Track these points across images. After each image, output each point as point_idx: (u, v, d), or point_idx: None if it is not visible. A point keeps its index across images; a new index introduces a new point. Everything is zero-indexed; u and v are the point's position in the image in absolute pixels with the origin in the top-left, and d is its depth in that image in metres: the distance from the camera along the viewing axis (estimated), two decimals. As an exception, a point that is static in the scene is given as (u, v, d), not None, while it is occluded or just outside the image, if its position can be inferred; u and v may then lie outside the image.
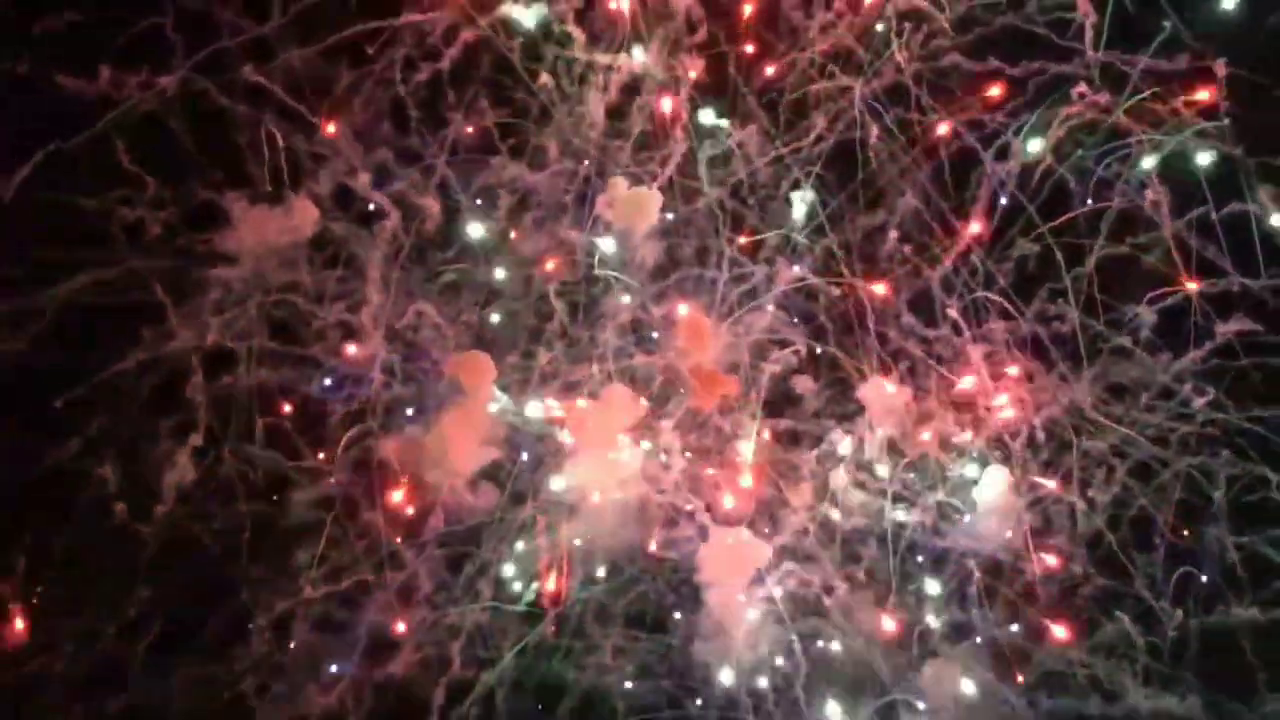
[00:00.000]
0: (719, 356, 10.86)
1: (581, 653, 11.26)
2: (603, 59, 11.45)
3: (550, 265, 11.44)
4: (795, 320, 11.37)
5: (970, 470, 11.02)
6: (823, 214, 11.43)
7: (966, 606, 10.93)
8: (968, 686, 10.51)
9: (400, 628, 11.11)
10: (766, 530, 10.98)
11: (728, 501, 10.99)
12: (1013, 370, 10.96)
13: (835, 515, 10.93)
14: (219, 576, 11.18)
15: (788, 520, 10.97)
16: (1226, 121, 10.67)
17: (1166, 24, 10.60)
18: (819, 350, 11.38)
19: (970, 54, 11.30)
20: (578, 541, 10.94)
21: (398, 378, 11.14)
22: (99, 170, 10.95)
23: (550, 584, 10.97)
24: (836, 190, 11.56)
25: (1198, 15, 10.65)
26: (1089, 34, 10.85)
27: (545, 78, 11.48)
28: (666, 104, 11.26)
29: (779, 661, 10.86)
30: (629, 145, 11.48)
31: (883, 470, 10.86)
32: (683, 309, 11.07)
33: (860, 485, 10.90)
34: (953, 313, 11.22)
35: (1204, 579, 10.83)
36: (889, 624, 10.81)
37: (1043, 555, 10.73)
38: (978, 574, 10.88)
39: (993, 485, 10.74)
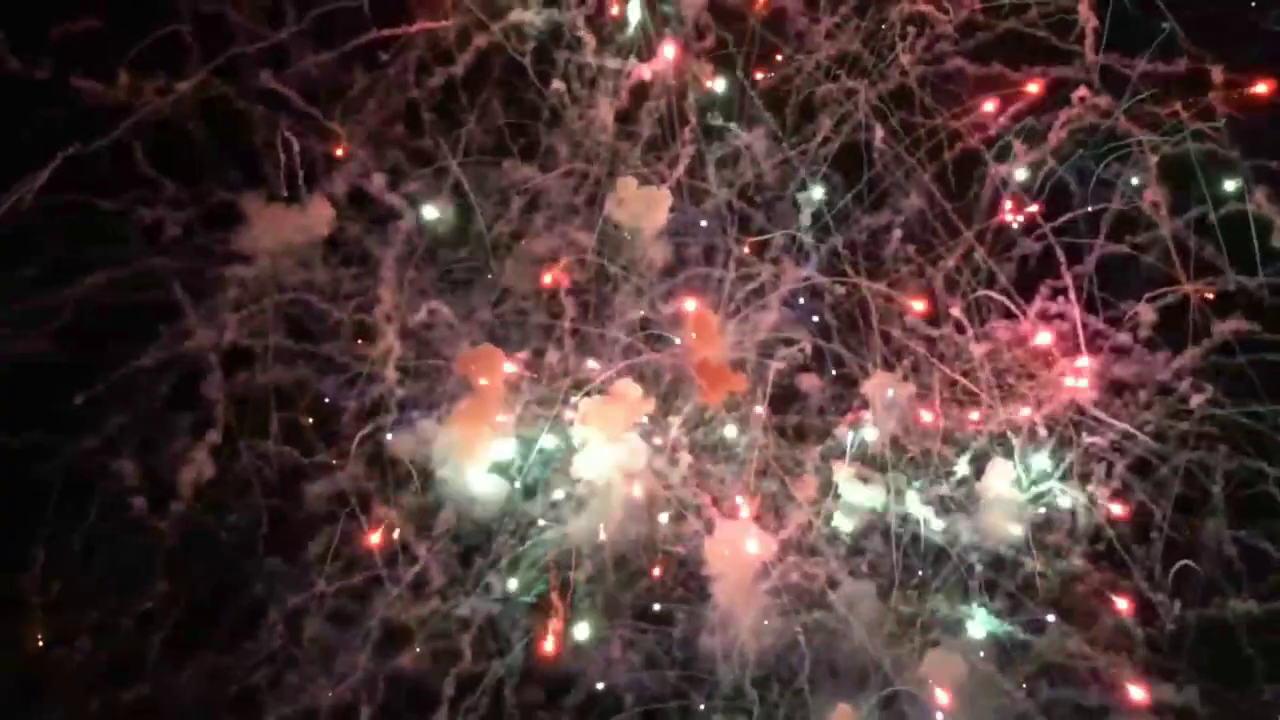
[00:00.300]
0: (726, 354, 10.91)
1: (589, 645, 11.35)
2: (613, 63, 11.62)
3: (561, 264, 11.55)
4: (800, 316, 11.47)
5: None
6: (829, 214, 11.60)
7: (968, 599, 11.01)
8: (968, 677, 10.57)
9: (411, 621, 11.21)
10: (771, 524, 11.07)
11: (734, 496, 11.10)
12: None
13: (839, 511, 11.02)
14: (234, 570, 11.32)
15: (792, 515, 11.07)
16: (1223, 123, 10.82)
17: (1165, 25, 10.76)
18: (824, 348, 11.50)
19: (973, 58, 11.50)
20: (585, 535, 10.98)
21: (410, 374, 11.21)
22: (117, 173, 11.11)
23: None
24: (842, 191, 11.73)
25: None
26: (1089, 38, 11.03)
27: (557, 83, 11.66)
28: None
29: (784, 653, 10.96)
30: (639, 147, 11.64)
31: (887, 465, 10.93)
32: (690, 305, 11.17)
33: (864, 480, 10.99)
34: (955, 311, 11.36)
35: (1202, 572, 10.91)
36: (891, 616, 10.93)
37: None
38: (979, 567, 10.99)
39: (996, 480, 10.83)
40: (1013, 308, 11.17)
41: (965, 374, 11.22)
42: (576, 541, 11.01)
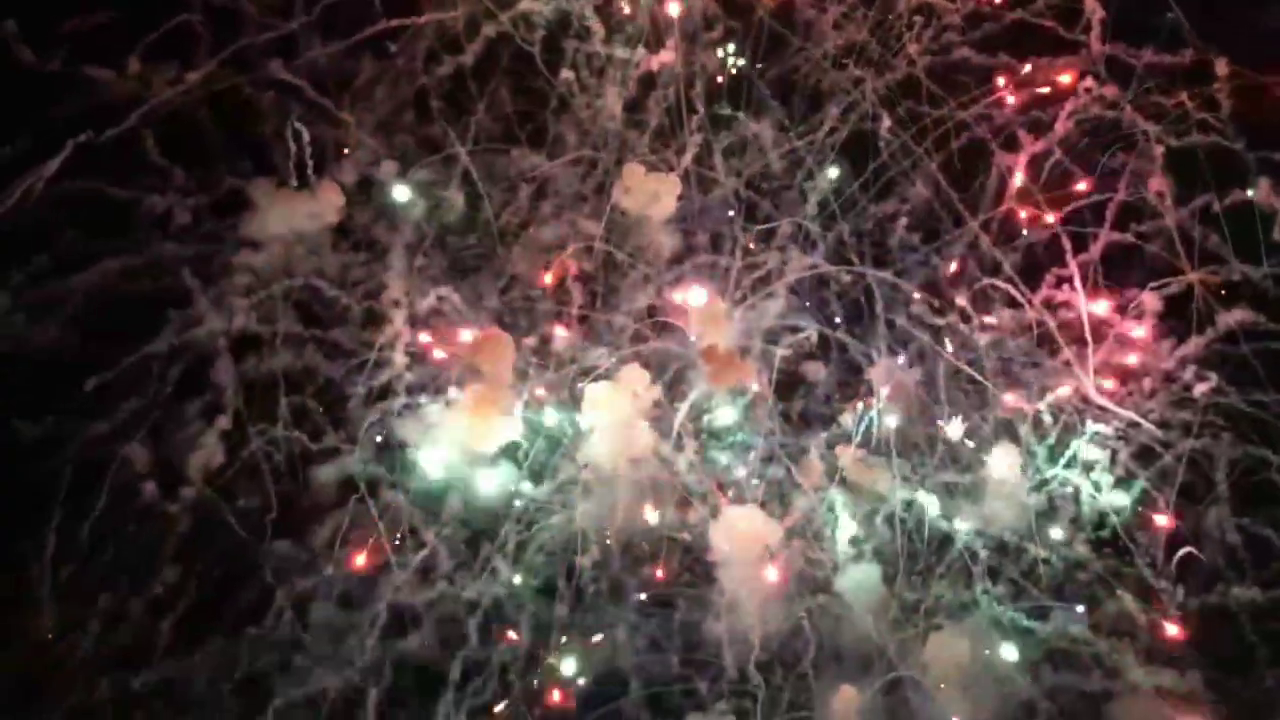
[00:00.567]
0: (732, 341, 10.97)
1: (595, 629, 11.43)
2: (621, 53, 11.69)
3: (569, 251, 11.63)
4: (806, 304, 11.54)
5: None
6: (835, 203, 11.67)
7: (971, 585, 11.07)
8: (971, 662, 10.63)
9: (418, 605, 11.29)
10: (777, 510, 11.14)
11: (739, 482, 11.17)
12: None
13: (844, 497, 11.08)
14: (243, 555, 11.38)
15: (797, 501, 11.13)
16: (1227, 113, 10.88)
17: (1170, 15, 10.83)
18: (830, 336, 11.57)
19: (980, 49, 11.57)
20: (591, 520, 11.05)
21: (418, 360, 11.28)
22: (128, 162, 11.22)
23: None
24: (849, 180, 11.80)
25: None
26: (1095, 29, 11.09)
27: (566, 73, 11.74)
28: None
29: (788, 638, 11.02)
30: (647, 135, 11.71)
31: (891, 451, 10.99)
32: (696, 294, 11.20)
33: (869, 466, 11.05)
34: (961, 300, 11.43)
35: (1205, 560, 10.96)
36: (895, 602, 10.99)
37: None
38: (983, 553, 11.05)
39: (1000, 467, 10.89)
40: (1018, 296, 11.13)
41: (970, 363, 11.19)
42: (583, 527, 11.03)
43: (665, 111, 11.87)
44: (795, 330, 11.39)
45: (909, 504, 11.03)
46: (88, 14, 11.02)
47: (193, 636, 11.36)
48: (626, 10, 11.73)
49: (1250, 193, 10.99)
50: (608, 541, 11.18)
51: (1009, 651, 10.91)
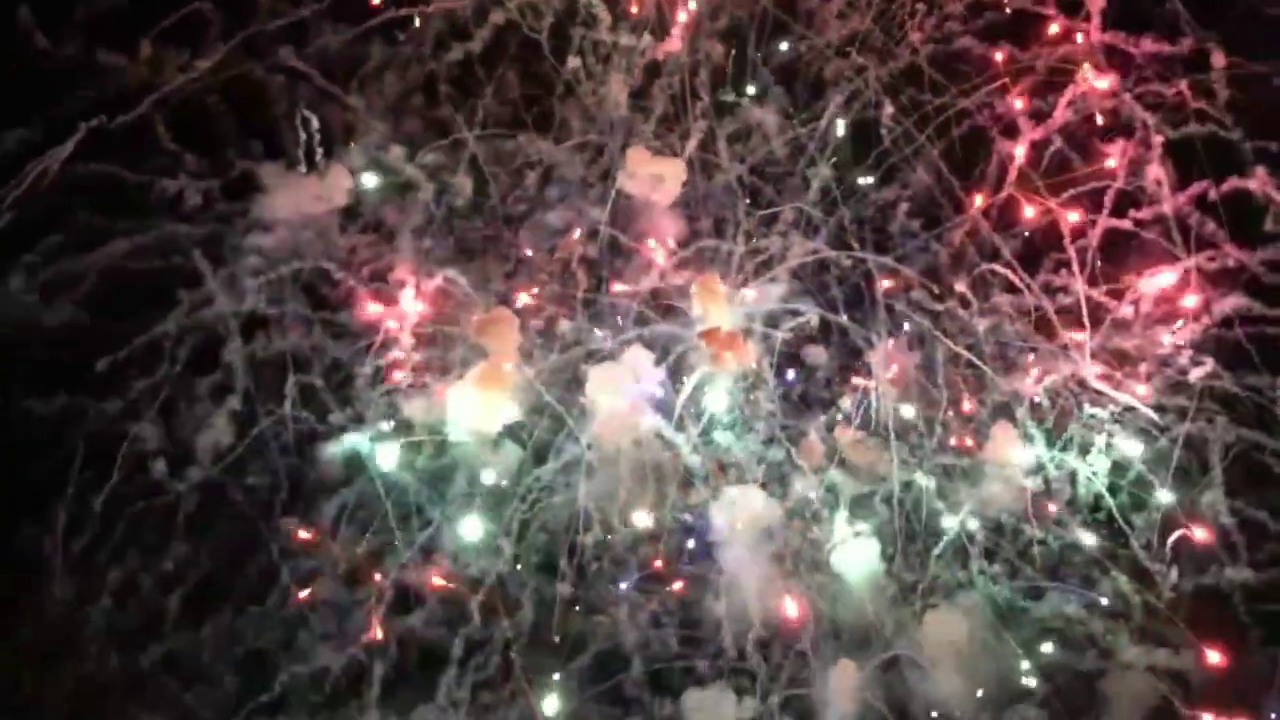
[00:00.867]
0: (734, 324, 11.10)
1: (597, 607, 11.58)
2: (627, 40, 11.83)
3: (574, 236, 11.77)
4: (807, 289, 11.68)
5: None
6: (837, 190, 11.81)
7: (968, 565, 11.19)
8: (967, 640, 10.75)
9: (422, 583, 11.44)
10: (777, 491, 11.28)
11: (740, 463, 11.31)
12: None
13: (843, 478, 11.21)
14: (250, 532, 11.56)
15: (797, 482, 11.26)
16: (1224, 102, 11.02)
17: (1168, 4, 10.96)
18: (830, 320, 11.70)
19: (982, 38, 11.71)
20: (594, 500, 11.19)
21: (425, 340, 11.42)
22: (140, 148, 11.38)
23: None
24: (851, 167, 11.95)
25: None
26: (1095, 18, 11.23)
27: (573, 60, 11.88)
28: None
29: (787, 616, 11.15)
30: (652, 121, 11.85)
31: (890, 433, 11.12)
32: (698, 279, 11.28)
33: (868, 447, 11.18)
34: (960, 286, 11.56)
35: (1198, 541, 11.06)
36: (893, 582, 11.12)
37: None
38: (980, 534, 11.17)
39: (997, 449, 11.01)
40: (1016, 281, 11.26)
41: (969, 347, 11.32)
42: (585, 506, 11.11)
43: (670, 99, 11.93)
44: (796, 314, 11.42)
45: (907, 485, 11.08)
46: (100, 1, 11.10)
47: (201, 613, 11.49)
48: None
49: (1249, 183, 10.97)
50: (615, 522, 11.21)
51: (1005, 630, 10.94)
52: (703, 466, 11.33)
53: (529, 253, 11.97)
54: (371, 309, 11.41)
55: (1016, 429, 11.13)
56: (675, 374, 11.37)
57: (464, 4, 11.77)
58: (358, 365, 11.44)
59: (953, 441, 11.42)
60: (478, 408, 11.00)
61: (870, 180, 12.02)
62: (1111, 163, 11.23)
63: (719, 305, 10.91)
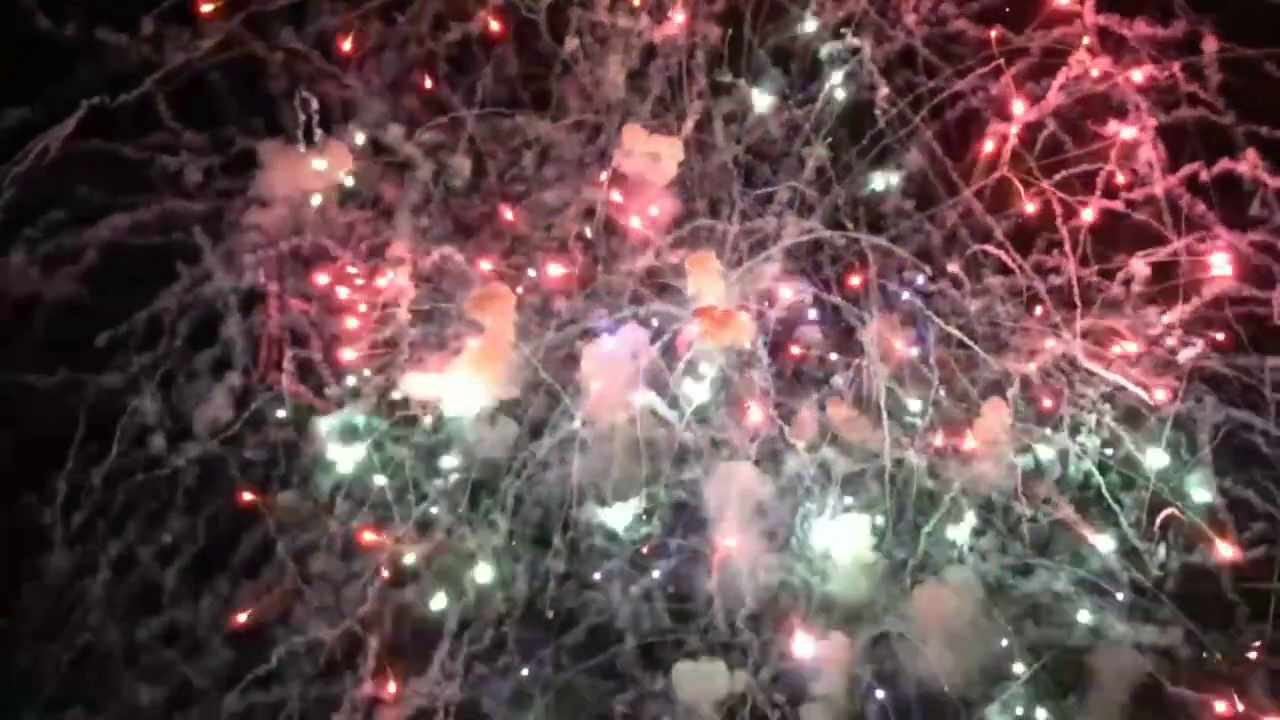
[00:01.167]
0: (729, 302, 11.17)
1: (589, 582, 11.69)
2: (625, 22, 11.91)
3: (570, 214, 11.86)
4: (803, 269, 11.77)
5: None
6: (832, 170, 11.90)
7: (957, 542, 11.29)
8: (956, 616, 10.84)
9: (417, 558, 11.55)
10: (770, 468, 11.37)
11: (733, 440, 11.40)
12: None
13: (833, 454, 11.30)
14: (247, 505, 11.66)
15: (790, 458, 11.36)
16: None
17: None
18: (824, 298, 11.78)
19: (977, 20, 11.78)
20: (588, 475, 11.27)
21: (421, 316, 11.52)
22: (141, 125, 11.50)
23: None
24: (846, 147, 12.03)
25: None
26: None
27: (571, 42, 11.96)
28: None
29: (779, 592, 11.25)
30: (648, 102, 11.94)
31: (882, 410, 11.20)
32: (692, 256, 11.34)
33: (860, 424, 11.26)
34: (953, 267, 11.65)
35: (1186, 520, 11.16)
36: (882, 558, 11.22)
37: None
38: (969, 511, 11.26)
39: (987, 428, 11.09)
40: (1008, 262, 11.34)
41: (961, 327, 11.41)
42: (580, 481, 11.19)
43: (667, 81, 12.01)
44: (791, 293, 11.51)
45: (899, 462, 11.16)
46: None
47: (198, 586, 11.61)
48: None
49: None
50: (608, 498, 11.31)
51: (993, 606, 11.03)
52: (696, 443, 11.35)
53: (526, 230, 11.96)
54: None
55: (1008, 407, 11.08)
56: (670, 351, 11.36)
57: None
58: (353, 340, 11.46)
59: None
60: (474, 383, 11.05)
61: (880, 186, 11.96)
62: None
63: (713, 282, 10.93)
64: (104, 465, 11.28)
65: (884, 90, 11.73)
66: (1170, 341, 11.19)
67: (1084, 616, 11.31)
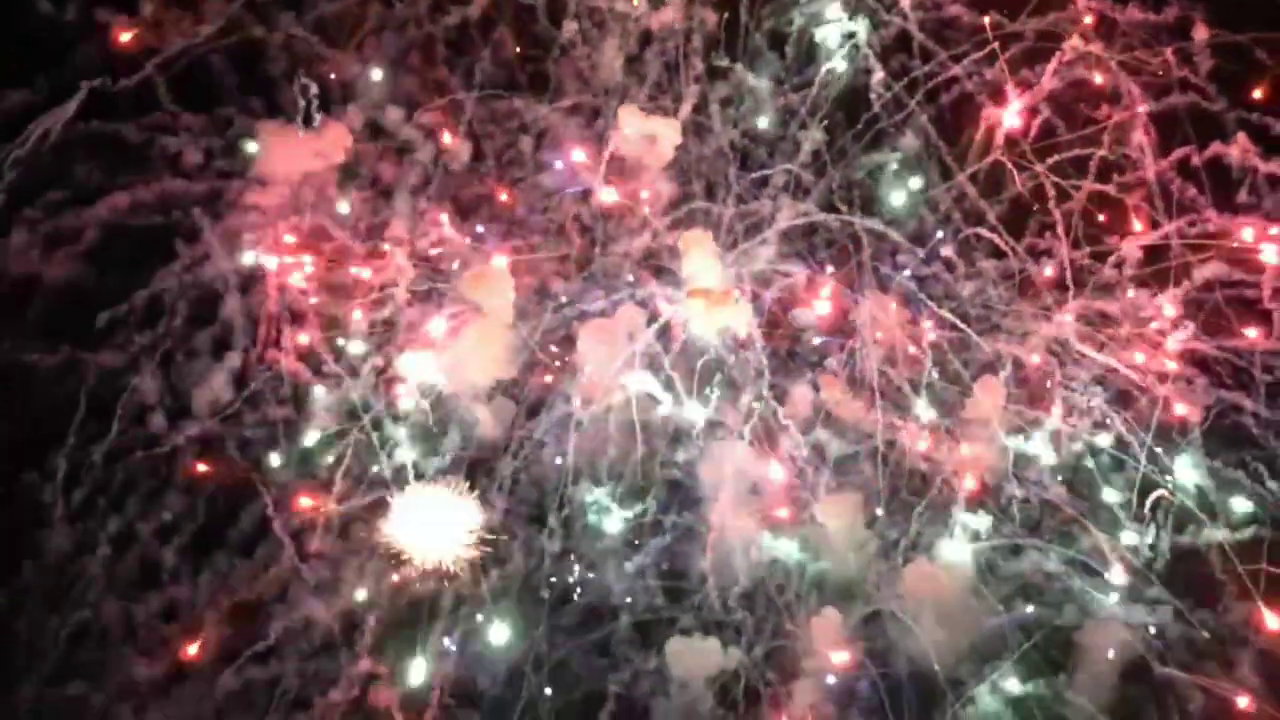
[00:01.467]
0: (724, 283, 11.24)
1: (585, 561, 11.77)
2: (622, 7, 11.99)
3: (567, 200, 11.95)
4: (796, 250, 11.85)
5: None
6: (828, 154, 11.98)
7: (949, 522, 11.37)
8: (947, 595, 10.94)
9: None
10: (764, 447, 11.43)
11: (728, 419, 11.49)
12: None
13: (828, 434, 11.39)
14: (246, 484, 11.71)
15: (784, 437, 11.43)
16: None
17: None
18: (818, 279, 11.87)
19: (971, 5, 11.87)
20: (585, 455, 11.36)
21: (420, 297, 11.58)
22: (141, 107, 11.56)
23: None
24: (842, 131, 12.12)
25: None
26: (1084, -16, 11.43)
27: (569, 25, 12.03)
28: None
29: (772, 570, 11.35)
30: (646, 85, 12.02)
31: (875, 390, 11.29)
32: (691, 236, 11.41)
33: (853, 404, 11.35)
34: (946, 250, 11.75)
35: (1176, 500, 11.27)
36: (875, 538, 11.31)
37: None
38: (961, 491, 11.35)
39: (980, 408, 11.18)
40: (1001, 245, 11.44)
41: (954, 310, 11.50)
42: (576, 461, 11.29)
43: (664, 66, 12.09)
44: (785, 274, 11.59)
45: (891, 443, 11.25)
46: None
47: (197, 563, 11.71)
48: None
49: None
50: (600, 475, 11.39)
51: (984, 585, 11.13)
52: (691, 423, 11.44)
53: (523, 212, 12.05)
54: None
55: (1001, 388, 11.17)
56: (665, 333, 11.45)
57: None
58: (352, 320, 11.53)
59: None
60: (472, 363, 11.12)
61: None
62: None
63: (707, 260, 11.00)
64: (104, 443, 11.25)
65: (879, 74, 11.75)
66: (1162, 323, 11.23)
67: (1075, 596, 11.36)
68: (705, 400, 11.66)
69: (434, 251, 11.67)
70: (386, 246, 11.55)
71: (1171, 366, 11.26)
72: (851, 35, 11.81)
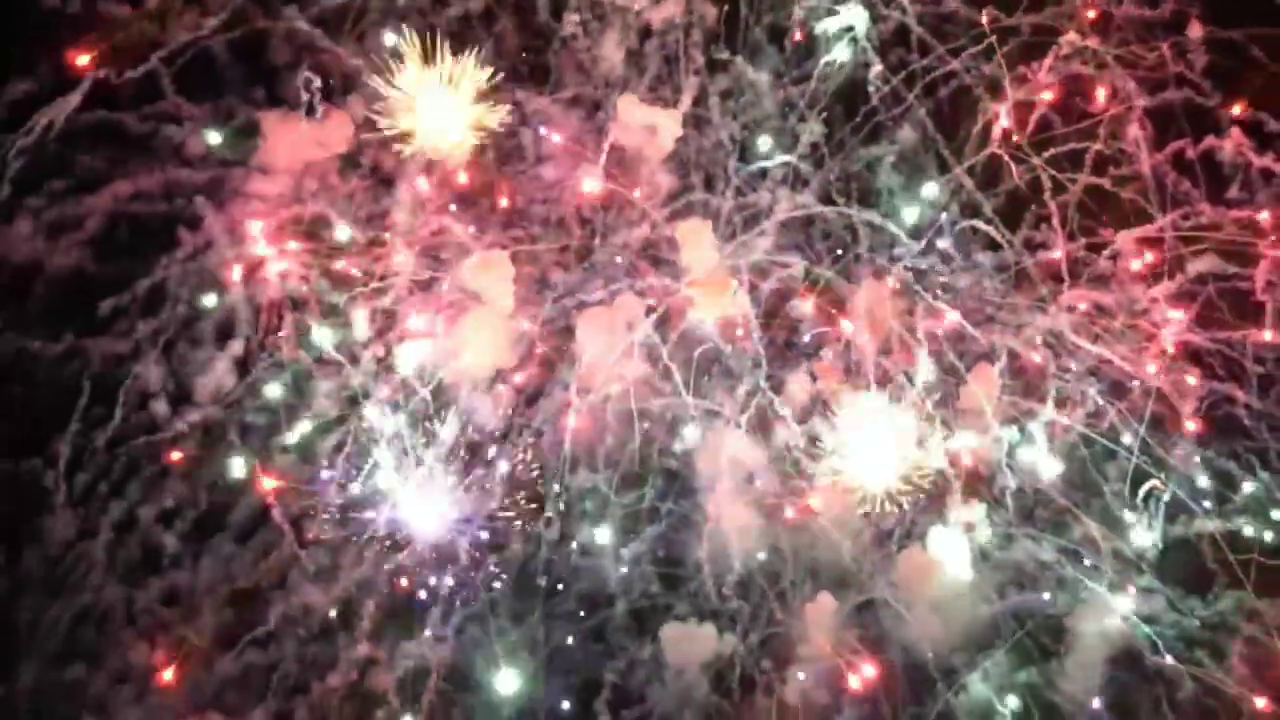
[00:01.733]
0: (722, 273, 11.32)
1: (582, 547, 11.85)
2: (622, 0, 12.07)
3: (569, 189, 12.01)
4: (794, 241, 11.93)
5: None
6: (825, 146, 12.05)
7: (944, 510, 11.44)
8: (941, 582, 11.01)
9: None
10: (760, 436, 11.52)
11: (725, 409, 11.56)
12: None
13: (825, 423, 11.45)
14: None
15: (780, 427, 11.51)
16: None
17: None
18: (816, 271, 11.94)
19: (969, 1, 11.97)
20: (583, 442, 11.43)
21: (421, 286, 11.66)
22: (146, 97, 11.64)
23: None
24: (840, 124, 12.21)
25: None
26: (1080, -18, 11.51)
27: (570, 18, 12.10)
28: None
29: (767, 558, 11.42)
30: (646, 78, 12.10)
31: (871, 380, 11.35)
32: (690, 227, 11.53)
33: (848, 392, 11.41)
34: (942, 243, 11.82)
35: (1169, 490, 11.34)
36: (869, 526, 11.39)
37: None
38: (956, 481, 11.41)
39: (974, 399, 11.24)
40: (997, 237, 11.51)
41: (950, 302, 11.57)
42: (574, 448, 11.37)
43: (664, 59, 12.16)
44: (783, 265, 11.66)
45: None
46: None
47: (197, 549, 11.76)
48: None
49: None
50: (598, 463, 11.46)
51: (977, 574, 11.20)
52: (688, 412, 11.52)
53: (524, 203, 12.12)
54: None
55: (996, 378, 11.24)
56: (664, 322, 11.53)
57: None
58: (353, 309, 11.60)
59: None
60: (472, 351, 11.19)
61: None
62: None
63: (704, 250, 11.06)
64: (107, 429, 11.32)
65: (878, 68, 11.83)
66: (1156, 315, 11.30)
67: (1067, 584, 11.41)
68: (703, 388, 11.71)
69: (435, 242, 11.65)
70: (387, 236, 11.53)
71: (1168, 352, 11.22)
72: (850, 29, 11.81)
